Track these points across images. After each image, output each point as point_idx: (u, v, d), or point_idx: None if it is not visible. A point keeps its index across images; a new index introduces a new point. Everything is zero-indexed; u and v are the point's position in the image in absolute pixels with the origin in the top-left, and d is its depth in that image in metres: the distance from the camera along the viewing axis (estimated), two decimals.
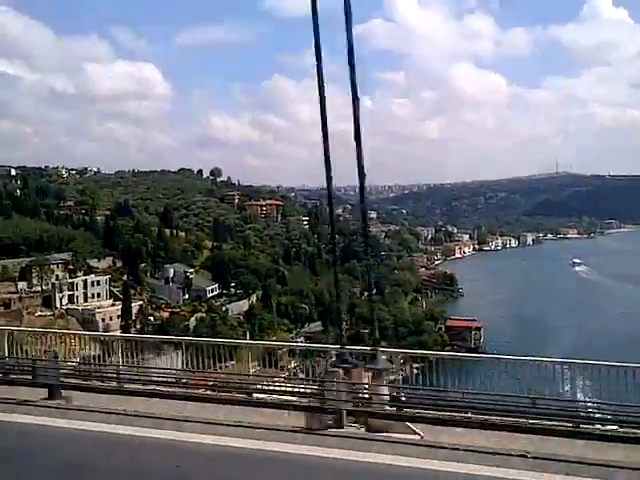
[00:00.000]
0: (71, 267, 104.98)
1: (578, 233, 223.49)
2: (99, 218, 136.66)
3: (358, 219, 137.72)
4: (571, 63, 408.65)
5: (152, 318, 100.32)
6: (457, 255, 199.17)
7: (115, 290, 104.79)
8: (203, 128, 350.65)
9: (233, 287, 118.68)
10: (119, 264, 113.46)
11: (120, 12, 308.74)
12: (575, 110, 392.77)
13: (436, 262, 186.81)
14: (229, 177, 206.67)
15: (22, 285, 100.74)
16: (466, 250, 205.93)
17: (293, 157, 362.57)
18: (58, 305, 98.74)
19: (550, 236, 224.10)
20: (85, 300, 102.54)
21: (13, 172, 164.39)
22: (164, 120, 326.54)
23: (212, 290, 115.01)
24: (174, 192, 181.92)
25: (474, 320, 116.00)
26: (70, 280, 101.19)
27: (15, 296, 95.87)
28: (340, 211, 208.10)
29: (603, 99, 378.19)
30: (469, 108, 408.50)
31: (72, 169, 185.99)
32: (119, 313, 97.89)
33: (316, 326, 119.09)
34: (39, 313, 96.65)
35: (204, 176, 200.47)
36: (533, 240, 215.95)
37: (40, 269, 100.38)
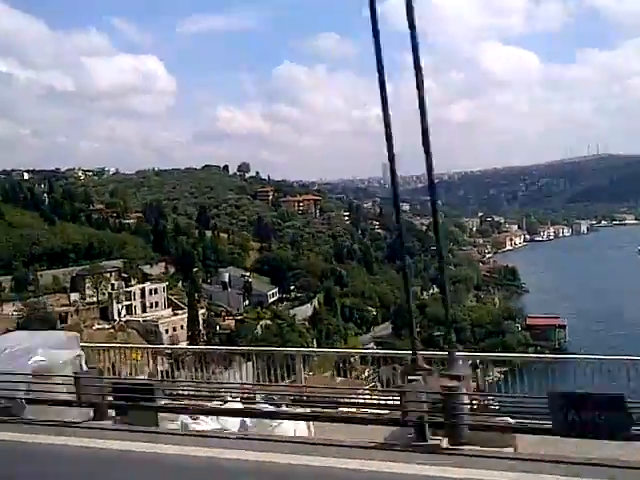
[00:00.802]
0: (125, 275, 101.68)
1: (635, 219, 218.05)
2: (131, 221, 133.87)
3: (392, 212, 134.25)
4: (609, 34, 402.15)
5: (217, 327, 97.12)
6: (508, 247, 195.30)
7: (174, 298, 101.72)
8: (210, 121, 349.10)
9: (293, 290, 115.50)
10: (171, 270, 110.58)
11: (119, 3, 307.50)
12: (614, 86, 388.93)
13: (487, 255, 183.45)
14: (257, 172, 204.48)
15: (75, 296, 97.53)
16: (517, 241, 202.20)
17: (307, 148, 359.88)
18: (116, 317, 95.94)
19: (604, 223, 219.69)
20: (143, 310, 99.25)
21: (26, 175, 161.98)
22: (169, 115, 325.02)
23: (273, 294, 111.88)
24: (202, 190, 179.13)
25: (557, 317, 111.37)
26: (127, 289, 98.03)
27: (71, 309, 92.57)
28: (369, 205, 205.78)
29: None
30: (498, 89, 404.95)
31: (88, 170, 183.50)
32: (182, 323, 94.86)
33: (384, 329, 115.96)
34: (97, 326, 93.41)
35: (230, 172, 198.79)
36: (587, 228, 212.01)
37: (94, 278, 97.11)
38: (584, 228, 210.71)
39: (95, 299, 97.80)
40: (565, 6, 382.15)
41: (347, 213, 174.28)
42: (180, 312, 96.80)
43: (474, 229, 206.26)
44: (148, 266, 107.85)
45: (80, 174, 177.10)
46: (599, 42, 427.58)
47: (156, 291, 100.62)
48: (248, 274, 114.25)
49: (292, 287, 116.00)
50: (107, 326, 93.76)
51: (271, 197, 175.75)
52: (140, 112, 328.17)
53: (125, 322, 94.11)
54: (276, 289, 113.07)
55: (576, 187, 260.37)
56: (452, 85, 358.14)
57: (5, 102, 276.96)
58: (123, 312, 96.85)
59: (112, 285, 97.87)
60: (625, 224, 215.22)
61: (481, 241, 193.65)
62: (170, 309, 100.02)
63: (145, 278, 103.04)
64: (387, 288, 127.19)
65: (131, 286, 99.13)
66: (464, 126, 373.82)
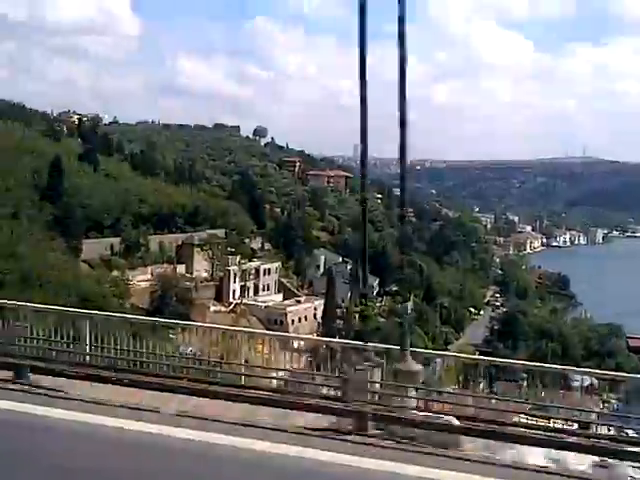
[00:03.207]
0: (231, 249, 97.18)
1: None
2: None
3: None
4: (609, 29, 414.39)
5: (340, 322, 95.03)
6: (527, 250, 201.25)
7: (286, 282, 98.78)
8: (171, 74, 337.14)
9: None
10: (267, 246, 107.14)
11: None
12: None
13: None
14: (272, 138, 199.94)
15: (180, 268, 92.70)
16: (535, 244, 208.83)
17: (277, 116, 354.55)
18: (231, 298, 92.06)
19: (615, 233, 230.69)
20: (255, 293, 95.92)
21: None
22: (127, 60, 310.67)
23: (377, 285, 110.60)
24: (221, 153, 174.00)
25: None
26: (243, 267, 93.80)
27: (190, 285, 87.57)
28: None
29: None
30: (487, 74, 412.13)
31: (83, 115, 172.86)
32: (306, 314, 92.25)
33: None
34: (214, 308, 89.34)
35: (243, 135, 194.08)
36: (603, 237, 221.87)
37: (211, 250, 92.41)
38: (599, 237, 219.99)
39: (202, 273, 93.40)
40: None
41: (380, 195, 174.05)
42: (302, 299, 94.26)
43: (488, 226, 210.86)
44: (247, 240, 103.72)
45: (75, 119, 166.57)
46: (597, 36, 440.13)
47: (269, 272, 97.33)
48: (340, 259, 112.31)
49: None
50: (223, 309, 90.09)
51: (297, 169, 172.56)
52: (95, 55, 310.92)
53: (244, 305, 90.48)
54: (377, 280, 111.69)
55: (574, 190, 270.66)
56: (438, 63, 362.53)
57: None
58: (237, 294, 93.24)
59: (227, 260, 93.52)
60: (637, 236, 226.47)
61: (502, 240, 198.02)
62: (281, 294, 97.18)
63: (253, 255, 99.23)
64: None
65: (241, 263, 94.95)
66: (446, 109, 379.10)
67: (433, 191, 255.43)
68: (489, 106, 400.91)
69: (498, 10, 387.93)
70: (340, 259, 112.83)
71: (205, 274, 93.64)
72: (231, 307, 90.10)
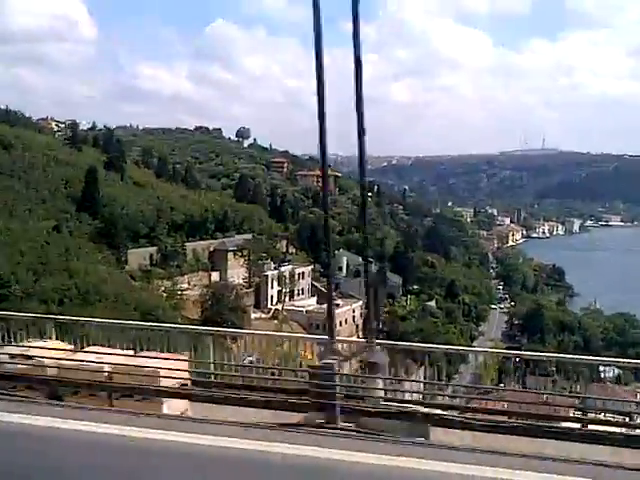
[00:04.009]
0: (263, 254, 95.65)
1: (622, 220, 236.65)
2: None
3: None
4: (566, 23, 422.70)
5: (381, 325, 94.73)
6: (510, 242, 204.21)
7: (319, 285, 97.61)
8: (129, 77, 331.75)
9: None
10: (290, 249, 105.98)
11: None
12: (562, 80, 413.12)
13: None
14: (255, 139, 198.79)
15: (215, 276, 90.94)
16: (517, 237, 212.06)
17: (236, 116, 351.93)
18: (269, 304, 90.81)
19: (590, 222, 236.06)
20: (291, 297, 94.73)
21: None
22: (85, 66, 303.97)
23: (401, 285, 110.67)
24: (208, 155, 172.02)
25: None
26: (272, 271, 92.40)
27: (234, 293, 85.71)
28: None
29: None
30: (447, 70, 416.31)
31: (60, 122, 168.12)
32: (346, 316, 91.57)
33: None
34: (254, 315, 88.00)
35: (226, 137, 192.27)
36: (579, 227, 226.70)
37: (245, 255, 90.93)
38: (576, 227, 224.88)
39: (236, 280, 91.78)
40: None
41: (369, 194, 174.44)
42: (340, 302, 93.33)
43: (469, 220, 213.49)
44: (277, 245, 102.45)
45: (53, 125, 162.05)
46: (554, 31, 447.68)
47: (303, 275, 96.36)
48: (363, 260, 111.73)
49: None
50: (263, 315, 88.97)
51: (285, 170, 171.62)
52: (54, 61, 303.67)
53: (284, 311, 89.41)
54: (400, 279, 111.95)
55: (541, 182, 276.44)
56: (398, 62, 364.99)
57: None
58: (274, 299, 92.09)
59: (262, 265, 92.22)
60: (611, 225, 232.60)
61: (485, 234, 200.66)
62: (315, 297, 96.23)
63: (283, 259, 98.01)
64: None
65: (272, 269, 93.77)
66: (407, 106, 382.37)
67: (406, 187, 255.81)
68: (450, 102, 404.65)
69: (459, 9, 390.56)
70: (360, 259, 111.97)
71: (239, 280, 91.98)
72: (271, 313, 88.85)
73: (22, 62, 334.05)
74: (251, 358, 15.54)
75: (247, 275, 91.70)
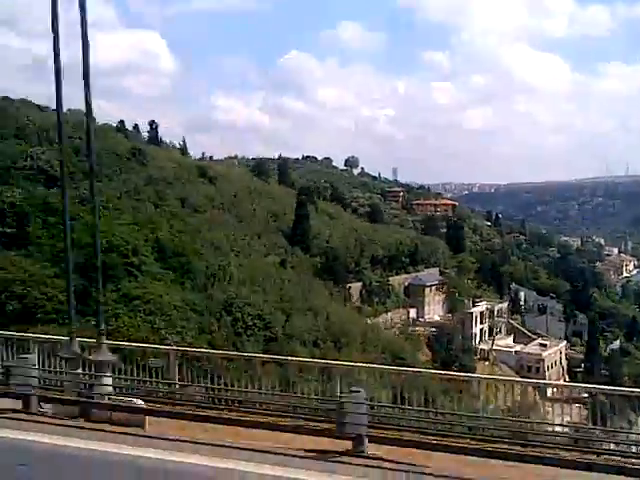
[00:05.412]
0: (454, 289, 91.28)
1: None
2: None
3: None
4: None
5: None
6: (625, 274, 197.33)
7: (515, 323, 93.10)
8: (205, 109, 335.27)
9: None
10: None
11: None
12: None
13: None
14: (362, 168, 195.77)
15: (412, 312, 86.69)
16: (630, 267, 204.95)
17: (309, 146, 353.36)
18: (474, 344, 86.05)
19: None
20: (489, 335, 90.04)
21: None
22: (163, 98, 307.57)
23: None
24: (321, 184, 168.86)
25: None
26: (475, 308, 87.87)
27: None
28: None
29: None
30: (523, 96, 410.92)
31: None
32: (556, 358, 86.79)
33: None
34: None
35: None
36: None
37: (443, 291, 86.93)
38: None
39: (434, 316, 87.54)
40: (612, 12, 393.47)
41: (488, 223, 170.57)
42: (548, 343, 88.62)
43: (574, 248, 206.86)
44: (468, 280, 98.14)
45: None
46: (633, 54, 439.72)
47: (500, 312, 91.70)
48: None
49: None
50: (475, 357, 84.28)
51: (401, 199, 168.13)
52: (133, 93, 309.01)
53: (493, 352, 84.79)
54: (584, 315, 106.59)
55: (634, 209, 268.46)
56: (473, 89, 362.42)
57: None
58: (477, 338, 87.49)
59: (463, 302, 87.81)
60: None
61: (600, 265, 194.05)
62: (511, 336, 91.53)
63: (476, 294, 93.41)
64: None
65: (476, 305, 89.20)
66: (484, 134, 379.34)
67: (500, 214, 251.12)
68: (527, 128, 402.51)
69: (537, 34, 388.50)
70: (534, 294, 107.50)
71: (437, 317, 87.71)
72: (486, 355, 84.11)
73: (102, 94, 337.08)
74: None
75: (446, 312, 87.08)
